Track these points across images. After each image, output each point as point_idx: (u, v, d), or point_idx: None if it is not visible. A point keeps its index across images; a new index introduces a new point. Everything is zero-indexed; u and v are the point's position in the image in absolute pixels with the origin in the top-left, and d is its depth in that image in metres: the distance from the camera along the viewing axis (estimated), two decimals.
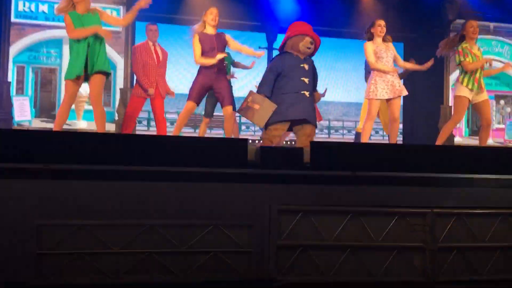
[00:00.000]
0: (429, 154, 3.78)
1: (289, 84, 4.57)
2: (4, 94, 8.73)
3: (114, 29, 9.17)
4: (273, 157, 3.47)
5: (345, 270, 3.27)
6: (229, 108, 5.14)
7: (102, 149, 3.28)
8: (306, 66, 4.66)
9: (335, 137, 11.19)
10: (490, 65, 5.33)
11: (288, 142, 7.69)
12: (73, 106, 9.89)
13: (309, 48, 4.66)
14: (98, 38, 4.60)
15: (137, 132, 8.54)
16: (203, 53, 5.07)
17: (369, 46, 5.23)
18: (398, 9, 8.97)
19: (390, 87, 5.17)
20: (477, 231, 3.44)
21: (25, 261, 2.94)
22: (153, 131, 8.16)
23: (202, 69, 5.12)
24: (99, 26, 4.58)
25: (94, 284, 3.00)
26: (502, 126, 11.41)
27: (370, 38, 5.29)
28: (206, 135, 9.45)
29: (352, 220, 3.31)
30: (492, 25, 9.98)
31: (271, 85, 4.60)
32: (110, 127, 8.40)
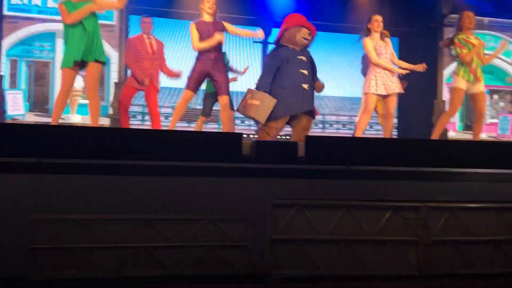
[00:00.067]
0: (423, 149, 3.80)
1: (288, 77, 4.56)
2: None
3: (107, 23, 9.14)
4: (268, 151, 3.47)
5: (340, 264, 3.29)
6: (225, 98, 5.10)
7: (96, 143, 3.27)
8: (304, 58, 4.65)
9: (330, 132, 11.21)
10: (484, 46, 5.30)
11: (283, 137, 7.69)
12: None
13: (307, 39, 4.66)
14: (93, 25, 4.56)
15: (132, 126, 8.51)
16: (202, 40, 5.03)
17: (368, 42, 5.23)
18: (393, 3, 8.97)
19: (389, 83, 5.19)
20: (470, 225, 3.47)
21: (20, 255, 2.94)
22: (147, 125, 8.14)
23: (200, 56, 5.08)
24: (91, 4, 4.52)
25: (89, 278, 3.00)
26: (495, 120, 11.47)
27: (368, 34, 5.29)
28: (202, 129, 9.44)
29: (346, 214, 3.32)
30: (486, 19, 10.00)
31: (270, 80, 4.59)
32: (105, 121, 8.37)
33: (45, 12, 9.45)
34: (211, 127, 9.66)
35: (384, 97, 5.27)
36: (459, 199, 3.49)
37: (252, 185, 3.25)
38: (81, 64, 4.58)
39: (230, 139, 3.52)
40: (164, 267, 3.09)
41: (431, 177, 3.52)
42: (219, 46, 5.09)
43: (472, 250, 3.45)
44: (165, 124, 10.19)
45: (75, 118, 9.31)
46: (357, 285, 3.16)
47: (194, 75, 5.07)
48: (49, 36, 9.62)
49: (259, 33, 5.07)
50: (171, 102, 10.77)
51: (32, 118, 9.31)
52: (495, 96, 11.70)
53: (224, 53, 5.60)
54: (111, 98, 9.08)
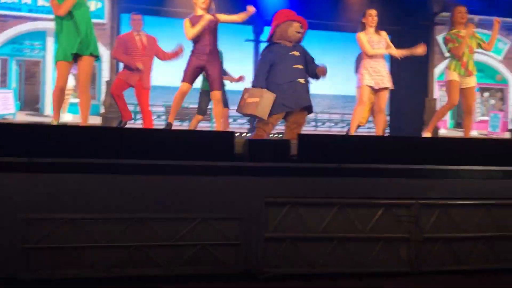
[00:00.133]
0: (414, 147, 3.82)
1: (283, 73, 4.57)
2: None
3: (99, 21, 9.09)
4: (261, 150, 3.48)
5: (333, 261, 3.30)
6: (217, 93, 5.09)
7: (88, 142, 3.26)
8: (297, 53, 4.66)
9: (322, 130, 11.24)
10: (472, 34, 5.31)
11: (275, 135, 7.69)
12: None
13: (299, 32, 4.67)
14: (85, 17, 4.54)
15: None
16: (195, 36, 5.04)
17: (362, 36, 5.24)
18: (384, 1, 8.99)
19: (380, 77, 5.21)
20: (461, 222, 3.49)
21: (12, 255, 2.92)
22: (139, 124, 8.11)
23: (195, 50, 5.07)
24: None
25: (82, 277, 2.99)
26: (486, 118, 11.56)
27: (363, 28, 5.29)
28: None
29: (339, 212, 3.34)
30: (476, 18, 10.07)
31: (265, 77, 4.60)
32: (96, 120, 8.33)
33: (36, 10, 9.39)
34: (204, 126, 9.64)
35: (376, 91, 5.28)
36: (450, 196, 3.52)
37: (245, 184, 3.26)
38: (74, 58, 4.55)
39: (223, 138, 3.53)
40: (158, 266, 3.09)
41: (422, 175, 3.55)
42: (214, 41, 5.07)
43: (463, 247, 3.48)
44: (157, 124, 10.16)
45: (66, 117, 9.25)
46: (350, 282, 3.18)
47: (189, 68, 5.06)
48: (40, 35, 9.56)
49: (251, 9, 5.03)
50: (163, 101, 10.74)
51: (22, 117, 9.25)
52: (486, 94, 11.79)
53: (221, 52, 5.59)
54: (102, 97, 9.03)
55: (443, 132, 10.39)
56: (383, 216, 3.39)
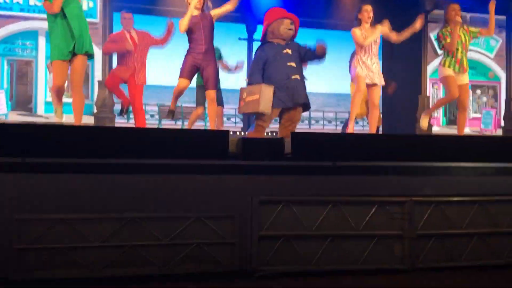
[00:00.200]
0: (407, 144, 3.84)
1: (277, 72, 4.59)
2: None
3: (91, 20, 9.05)
4: (254, 148, 3.48)
5: (327, 259, 3.31)
6: (212, 92, 5.11)
7: (81, 142, 3.24)
8: (289, 51, 4.68)
9: (316, 128, 11.27)
10: (460, 23, 5.34)
11: (269, 134, 7.70)
12: (50, 99, 9.76)
13: (290, 29, 4.69)
14: (78, 15, 4.52)
15: (117, 125, 8.45)
16: (191, 34, 5.05)
17: (356, 31, 5.24)
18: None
19: (371, 73, 5.22)
20: (454, 218, 3.51)
21: (5, 256, 2.90)
22: (133, 123, 8.09)
23: (190, 49, 5.09)
24: None
25: (76, 278, 2.98)
26: (478, 115, 11.63)
27: (358, 24, 5.30)
28: (187, 126, 9.40)
29: (333, 209, 3.34)
30: (468, 15, 10.12)
31: (261, 73, 4.63)
32: (89, 120, 8.30)
33: (27, 10, 9.34)
34: (198, 125, 9.63)
35: (368, 87, 5.29)
36: (444, 193, 3.54)
37: (239, 182, 3.26)
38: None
39: (216, 137, 3.52)
40: (152, 265, 3.08)
41: (416, 172, 3.56)
42: (210, 39, 5.08)
43: (457, 243, 3.50)
44: (151, 123, 10.14)
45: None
46: (344, 280, 3.19)
47: (186, 66, 5.09)
48: (32, 35, 9.51)
49: None
50: (156, 100, 10.72)
51: (15, 117, 9.20)
52: (478, 91, 11.86)
53: (218, 48, 5.60)
54: (95, 97, 9.00)
55: (436, 129, 10.44)
56: (376, 213, 3.40)
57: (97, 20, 9.35)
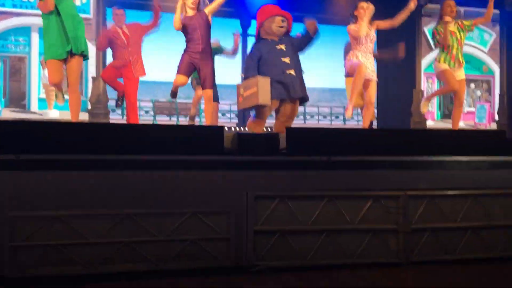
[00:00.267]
0: (402, 138, 3.85)
1: (272, 68, 4.61)
2: None
3: (84, 16, 9.00)
4: (250, 144, 3.48)
5: (322, 254, 3.32)
6: (209, 91, 5.13)
7: (76, 138, 3.23)
8: (283, 46, 4.69)
9: (311, 123, 11.28)
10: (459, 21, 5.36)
11: (264, 129, 7.71)
12: (43, 95, 9.71)
13: (282, 26, 4.70)
14: (72, 15, 4.51)
15: (111, 121, 8.43)
16: (187, 34, 5.07)
17: (352, 27, 5.24)
18: None
19: (367, 70, 5.21)
20: (449, 212, 3.53)
21: (0, 253, 2.89)
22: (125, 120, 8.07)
23: (187, 49, 5.10)
24: None
25: (71, 275, 2.98)
26: (472, 109, 11.68)
27: (355, 21, 5.28)
28: (182, 123, 9.39)
29: (328, 204, 3.36)
30: (462, 9, 10.13)
31: (256, 68, 4.65)
32: (83, 117, 8.26)
33: (20, 6, 9.27)
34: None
35: (364, 83, 5.27)
36: (438, 187, 3.55)
37: (234, 178, 3.26)
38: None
39: (212, 132, 3.52)
40: (147, 261, 3.09)
41: (410, 166, 3.58)
42: (206, 39, 5.09)
43: (451, 237, 3.52)
44: (145, 119, 10.11)
45: (53, 114, 9.18)
46: (340, 274, 3.20)
47: (183, 63, 5.10)
48: (24, 31, 9.44)
49: None
50: (150, 96, 10.69)
51: (8, 114, 9.15)
52: (472, 85, 11.90)
53: (221, 47, 5.62)
54: (89, 93, 8.96)
55: (430, 123, 10.48)
56: (371, 207, 3.41)
57: (91, 16, 9.29)
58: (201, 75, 5.12)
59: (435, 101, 5.60)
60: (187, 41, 5.10)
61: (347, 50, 5.65)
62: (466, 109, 11.51)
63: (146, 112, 10.63)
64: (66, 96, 4.87)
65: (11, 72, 9.58)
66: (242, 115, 9.37)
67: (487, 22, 5.54)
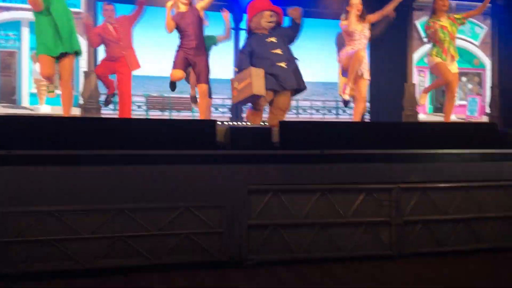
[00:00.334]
0: (394, 131, 3.87)
1: (263, 61, 4.65)
2: None
3: (75, 10, 8.92)
4: (242, 137, 3.48)
5: (315, 247, 3.34)
6: (204, 86, 5.16)
7: (68, 133, 3.22)
8: (274, 39, 4.73)
9: (304, 117, 11.28)
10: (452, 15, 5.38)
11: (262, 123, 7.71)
12: (34, 90, 9.63)
13: (271, 21, 4.73)
14: (65, 13, 4.49)
15: (103, 115, 8.38)
16: (180, 31, 5.08)
17: (343, 22, 5.24)
18: None
19: (363, 52, 5.22)
20: (441, 204, 3.56)
21: None
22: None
23: (181, 45, 5.11)
24: None
25: (64, 270, 2.97)
26: (464, 102, 11.73)
27: (347, 17, 5.27)
28: (175, 117, 9.36)
29: (321, 197, 3.37)
30: (454, 3, 10.16)
31: (249, 61, 4.68)
32: (75, 111, 8.21)
33: (9, 0, 9.16)
34: (185, 115, 9.60)
35: (356, 79, 5.28)
36: (430, 180, 3.57)
37: (228, 172, 3.26)
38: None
39: (204, 126, 3.51)
40: (141, 256, 3.08)
41: (403, 159, 3.59)
42: (200, 34, 5.09)
43: (443, 229, 3.55)
44: (138, 113, 10.06)
45: (44, 109, 9.11)
46: (333, 267, 3.22)
47: (178, 58, 5.13)
48: (14, 25, 9.34)
49: None
50: (143, 90, 10.64)
51: None
52: (464, 78, 11.94)
53: (213, 36, 5.61)
54: (80, 88, 8.90)
55: (422, 117, 10.52)
56: (364, 201, 3.43)
57: (81, 10, 9.21)
58: (195, 70, 5.14)
59: (427, 94, 5.69)
60: (181, 38, 5.11)
61: (339, 41, 5.66)
62: (458, 102, 11.56)
63: (139, 106, 10.60)
64: (58, 91, 4.85)
65: (1, 67, 9.48)
66: (235, 109, 9.36)
67: (479, 14, 5.56)
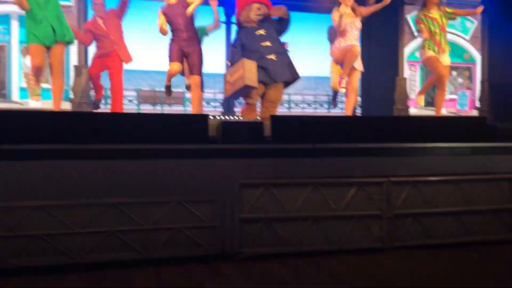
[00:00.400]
0: (385, 126, 3.89)
1: (252, 53, 4.66)
2: None
3: (65, 3, 8.84)
4: (235, 132, 3.48)
5: (307, 240, 3.36)
6: (196, 78, 5.14)
7: (59, 127, 3.20)
8: (263, 31, 4.74)
9: (296, 111, 11.29)
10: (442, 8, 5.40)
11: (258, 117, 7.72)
12: (24, 84, 9.53)
13: (259, 14, 4.74)
14: (54, 6, 4.46)
15: (95, 110, 8.33)
16: (171, 24, 5.07)
17: (336, 14, 5.23)
18: None
19: (358, 48, 5.22)
20: (431, 197, 3.59)
21: None
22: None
23: (174, 37, 5.10)
24: None
25: (55, 265, 2.96)
26: (454, 96, 11.80)
27: (338, 8, 5.27)
28: (167, 111, 9.32)
29: (313, 191, 3.38)
30: None
31: (240, 54, 4.69)
32: (66, 106, 8.15)
33: None
34: (177, 109, 9.56)
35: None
36: (421, 173, 3.60)
37: (219, 166, 3.27)
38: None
39: (196, 121, 3.51)
40: (133, 250, 3.09)
41: (393, 153, 3.62)
42: (190, 26, 5.08)
43: (433, 222, 3.59)
44: (129, 108, 10.01)
45: (34, 103, 9.03)
46: (325, 260, 3.24)
47: (173, 51, 5.11)
48: (4, 19, 9.23)
49: None
50: (134, 85, 10.58)
51: None
52: (454, 73, 12.01)
53: (204, 27, 5.59)
54: (71, 82, 8.84)
55: (413, 111, 10.57)
56: (356, 194, 3.45)
57: (72, 3, 9.12)
58: (189, 62, 5.12)
59: (417, 89, 5.73)
60: (172, 30, 5.09)
61: (331, 34, 5.67)
62: (448, 96, 11.62)
63: (130, 101, 10.54)
64: (44, 85, 4.81)
65: None
66: (227, 103, 9.35)
67: (467, 15, 5.58)
